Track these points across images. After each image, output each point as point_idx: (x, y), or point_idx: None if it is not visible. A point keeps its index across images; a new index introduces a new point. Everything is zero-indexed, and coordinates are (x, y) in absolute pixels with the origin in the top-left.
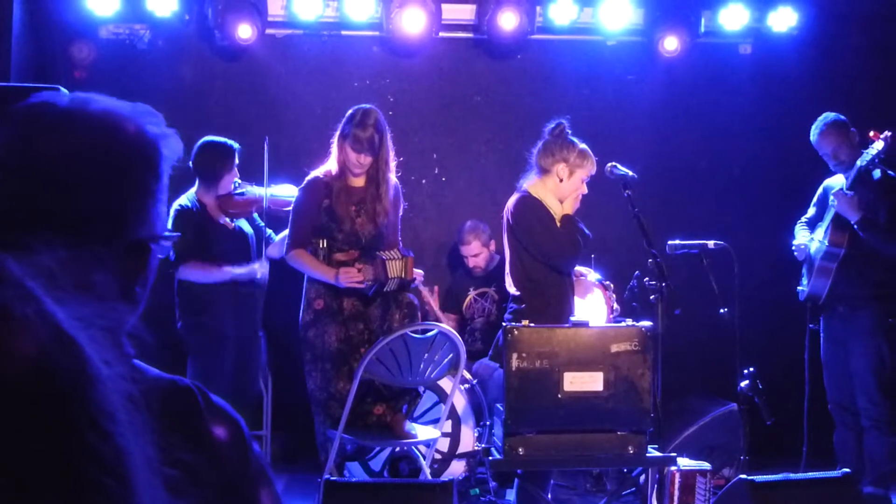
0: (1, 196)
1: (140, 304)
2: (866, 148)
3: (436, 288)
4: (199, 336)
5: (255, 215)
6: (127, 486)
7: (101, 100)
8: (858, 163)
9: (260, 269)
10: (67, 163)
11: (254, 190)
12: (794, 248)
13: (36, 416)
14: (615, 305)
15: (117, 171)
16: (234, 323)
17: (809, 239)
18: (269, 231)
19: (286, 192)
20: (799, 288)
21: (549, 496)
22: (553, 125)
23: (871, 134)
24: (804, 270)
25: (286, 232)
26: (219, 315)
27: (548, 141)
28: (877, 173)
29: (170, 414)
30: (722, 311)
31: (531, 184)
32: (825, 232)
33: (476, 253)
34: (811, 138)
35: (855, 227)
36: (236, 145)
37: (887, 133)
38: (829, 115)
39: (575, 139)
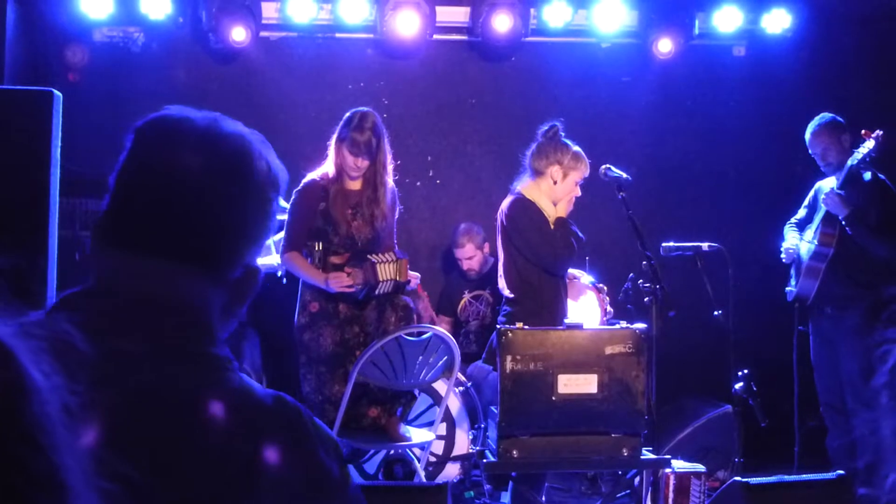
0: (135, 208)
1: (237, 320)
2: (858, 148)
3: (425, 294)
4: None
5: None
6: (60, 502)
7: (230, 121)
8: (849, 162)
9: (276, 262)
10: (208, 182)
11: None
12: (782, 250)
13: None
14: (609, 308)
15: (255, 197)
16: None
17: (798, 240)
18: None
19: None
20: (787, 289)
21: (544, 498)
22: (546, 127)
23: (863, 132)
24: (792, 272)
25: (277, 236)
26: None
27: (541, 143)
28: (867, 175)
29: (277, 433)
30: (716, 313)
31: (525, 186)
32: (815, 232)
33: (470, 255)
34: (805, 136)
35: (843, 222)
36: None
37: (879, 132)
38: (825, 116)
39: (569, 141)
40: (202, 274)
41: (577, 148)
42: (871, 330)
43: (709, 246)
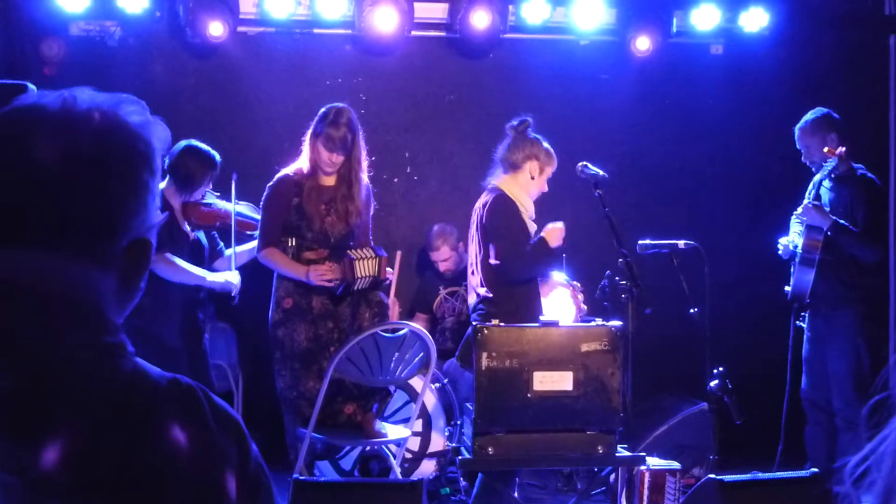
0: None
1: (138, 296)
2: (825, 164)
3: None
4: (152, 351)
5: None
6: None
7: (87, 97)
8: (816, 178)
9: (235, 281)
10: (68, 169)
11: (220, 204)
12: (779, 244)
13: None
14: (583, 305)
15: (118, 174)
16: (184, 337)
17: (798, 236)
18: (220, 243)
19: (252, 212)
20: (786, 288)
21: (515, 493)
22: (517, 122)
23: (826, 150)
24: (791, 270)
25: (244, 247)
26: (170, 330)
27: (515, 137)
28: (858, 173)
29: (172, 414)
30: (692, 310)
31: (502, 181)
32: (802, 235)
33: (446, 257)
34: (795, 129)
35: (828, 233)
36: (219, 157)
37: (842, 149)
38: (819, 111)
39: (538, 136)
40: (82, 261)
41: (546, 143)
42: (861, 329)
43: (685, 243)
